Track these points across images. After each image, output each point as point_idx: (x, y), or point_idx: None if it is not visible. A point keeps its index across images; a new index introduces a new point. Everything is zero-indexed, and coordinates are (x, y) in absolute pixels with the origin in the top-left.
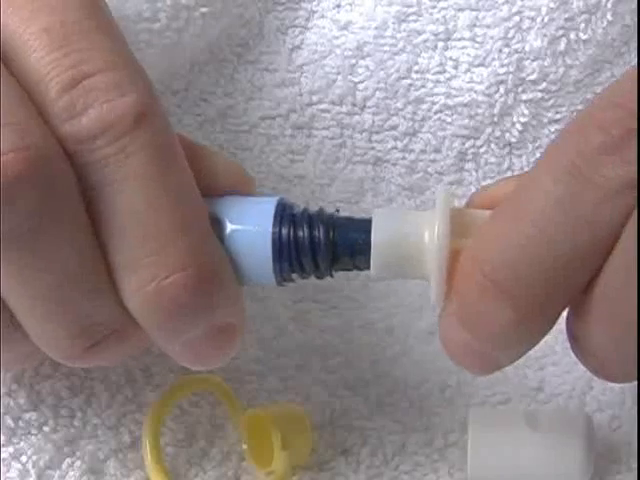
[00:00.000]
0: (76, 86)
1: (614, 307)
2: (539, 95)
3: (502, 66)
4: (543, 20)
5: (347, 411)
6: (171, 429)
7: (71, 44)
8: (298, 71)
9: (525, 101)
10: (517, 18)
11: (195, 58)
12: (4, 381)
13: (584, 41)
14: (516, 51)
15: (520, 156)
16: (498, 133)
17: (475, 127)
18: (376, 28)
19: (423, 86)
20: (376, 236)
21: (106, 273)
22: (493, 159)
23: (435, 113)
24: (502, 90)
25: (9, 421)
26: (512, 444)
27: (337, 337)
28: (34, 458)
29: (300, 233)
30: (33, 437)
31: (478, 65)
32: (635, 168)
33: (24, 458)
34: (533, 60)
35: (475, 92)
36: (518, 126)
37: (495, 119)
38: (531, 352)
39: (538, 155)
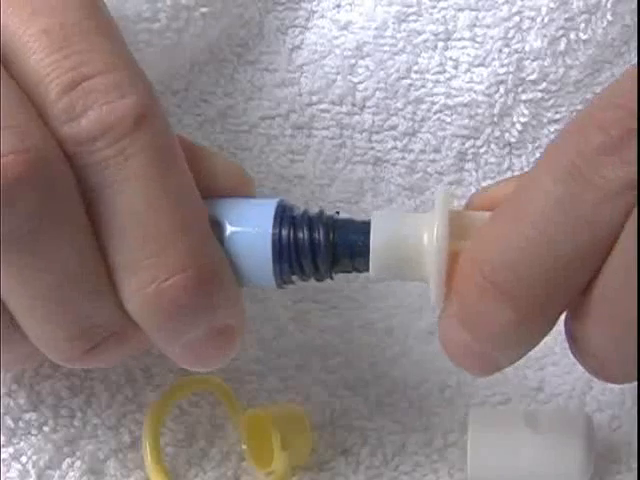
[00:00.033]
0: (76, 88)
1: (613, 308)
2: (539, 95)
3: (502, 66)
4: (543, 20)
5: (347, 411)
6: (171, 429)
7: (71, 46)
8: (298, 71)
9: (525, 101)
10: (517, 18)
11: (195, 58)
12: (4, 381)
13: (584, 41)
14: (516, 51)
15: (520, 156)
16: (498, 133)
17: (475, 127)
18: (376, 28)
19: (423, 86)
20: (375, 238)
21: (106, 275)
22: (493, 159)
23: (435, 113)
24: (502, 90)
25: (9, 421)
26: (512, 444)
27: (337, 337)
28: (34, 458)
29: (300, 235)
30: (33, 437)
31: (478, 65)
32: (635, 168)
33: (24, 458)
34: (533, 60)
35: (475, 92)
36: (518, 126)
37: (495, 119)
38: (531, 352)
39: (538, 155)
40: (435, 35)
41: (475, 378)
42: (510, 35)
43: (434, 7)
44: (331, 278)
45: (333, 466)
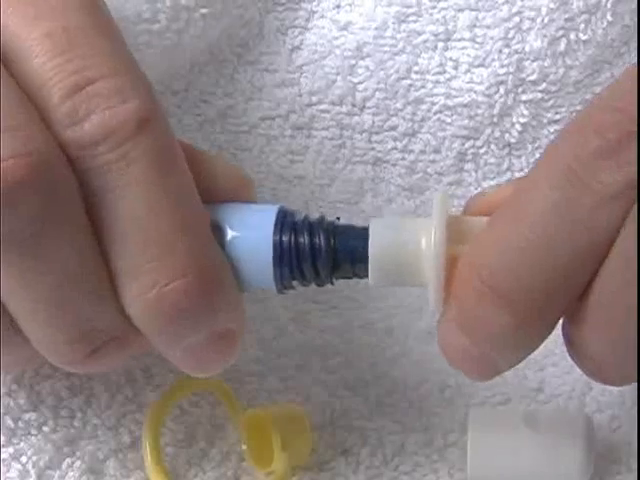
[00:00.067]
0: (79, 92)
1: (610, 311)
2: (539, 96)
3: (502, 67)
4: (543, 21)
5: (347, 411)
6: (171, 429)
7: (73, 50)
8: (298, 71)
9: (525, 102)
10: (517, 19)
11: (195, 59)
12: (4, 382)
13: (584, 41)
14: (516, 52)
15: (519, 157)
16: (498, 134)
17: (475, 128)
18: (376, 29)
19: (423, 87)
20: (373, 245)
21: (107, 279)
22: (493, 160)
23: (435, 114)
24: (502, 91)
25: (9, 421)
26: (512, 444)
27: (337, 337)
28: (34, 458)
29: (301, 240)
30: (33, 437)
31: (478, 66)
32: (633, 170)
33: (24, 458)
34: (533, 61)
35: (475, 93)
36: (518, 127)
37: (495, 120)
38: None
39: (537, 155)
40: (435, 35)
41: None
42: (510, 35)
43: (434, 7)
44: (332, 283)
45: (333, 466)
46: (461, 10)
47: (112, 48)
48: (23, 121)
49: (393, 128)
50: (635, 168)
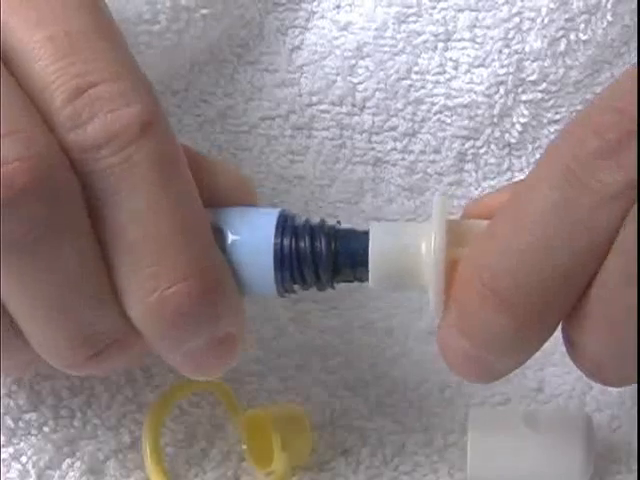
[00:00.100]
0: (81, 95)
1: (609, 311)
2: (539, 96)
3: (502, 67)
4: (543, 21)
5: (347, 411)
6: (171, 429)
7: (76, 53)
8: (298, 72)
9: (525, 102)
10: (517, 19)
11: (195, 59)
12: (4, 382)
13: (584, 42)
14: (516, 52)
15: (520, 157)
16: (498, 134)
17: (475, 128)
18: (376, 29)
19: (423, 87)
20: (374, 249)
21: (109, 282)
22: (493, 160)
23: (435, 114)
24: (502, 91)
25: (9, 422)
26: (512, 444)
27: (337, 337)
28: (34, 458)
29: (302, 244)
30: (33, 437)
31: (478, 66)
32: (633, 170)
33: (24, 458)
34: (533, 61)
35: (475, 93)
36: (518, 127)
37: (495, 120)
38: None
39: (538, 156)
40: (435, 36)
41: None
42: (510, 36)
43: (434, 8)
44: (332, 287)
45: (333, 466)
46: (461, 10)
47: (114, 51)
48: (26, 124)
49: (393, 128)
50: (635, 168)
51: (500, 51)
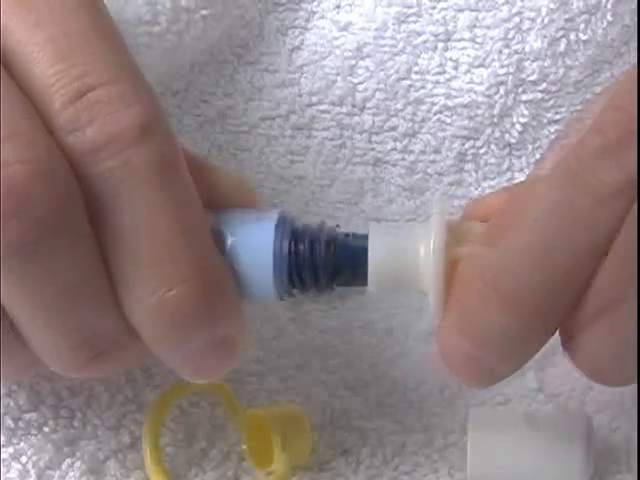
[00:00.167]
0: (81, 98)
1: (608, 311)
2: (539, 96)
3: (502, 67)
4: (543, 21)
5: (347, 411)
6: (171, 429)
7: (75, 56)
8: (298, 72)
9: (525, 102)
10: (517, 19)
11: (195, 59)
12: (4, 382)
13: (584, 42)
14: (516, 52)
15: (520, 157)
16: (498, 134)
17: (475, 128)
18: (376, 29)
19: (423, 87)
20: (373, 251)
21: (109, 284)
22: (493, 160)
23: (435, 114)
24: (502, 91)
25: (9, 421)
26: (512, 444)
27: (337, 338)
28: (34, 458)
29: (301, 247)
30: (33, 437)
31: (478, 66)
32: (633, 169)
33: (24, 458)
34: (533, 61)
35: (475, 93)
36: (518, 127)
37: (495, 120)
38: None
39: (538, 156)
40: (435, 36)
41: None
42: (510, 36)
43: (434, 8)
44: (332, 290)
45: (333, 466)
46: (461, 10)
47: (113, 52)
48: (26, 127)
49: (393, 128)
50: (635, 168)
51: (500, 51)
